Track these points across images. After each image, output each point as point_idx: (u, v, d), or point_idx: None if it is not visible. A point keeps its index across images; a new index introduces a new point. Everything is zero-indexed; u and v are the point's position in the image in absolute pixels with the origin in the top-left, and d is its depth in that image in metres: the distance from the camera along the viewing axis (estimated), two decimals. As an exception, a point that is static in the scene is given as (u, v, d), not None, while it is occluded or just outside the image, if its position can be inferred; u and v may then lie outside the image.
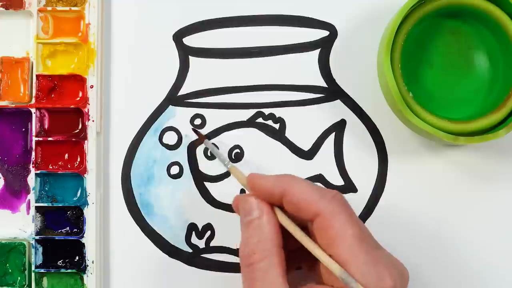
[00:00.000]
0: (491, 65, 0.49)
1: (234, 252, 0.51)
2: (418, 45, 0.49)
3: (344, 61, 0.51)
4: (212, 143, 0.50)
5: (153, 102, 0.51)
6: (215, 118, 0.51)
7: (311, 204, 0.40)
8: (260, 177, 0.42)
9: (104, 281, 0.51)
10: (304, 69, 0.51)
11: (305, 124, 0.51)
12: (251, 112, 0.51)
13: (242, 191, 0.50)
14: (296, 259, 0.44)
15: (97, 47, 0.51)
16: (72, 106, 0.50)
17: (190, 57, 0.51)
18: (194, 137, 0.51)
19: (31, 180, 0.51)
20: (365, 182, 0.51)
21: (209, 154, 0.51)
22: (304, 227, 0.42)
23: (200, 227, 0.51)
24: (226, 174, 0.51)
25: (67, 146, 0.51)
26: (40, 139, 0.50)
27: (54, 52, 0.51)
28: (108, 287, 0.51)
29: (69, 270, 0.50)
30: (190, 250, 0.51)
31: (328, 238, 0.39)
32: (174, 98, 0.51)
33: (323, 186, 0.50)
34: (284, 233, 0.42)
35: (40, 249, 0.50)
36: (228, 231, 0.51)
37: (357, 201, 0.51)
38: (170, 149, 0.51)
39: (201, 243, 0.51)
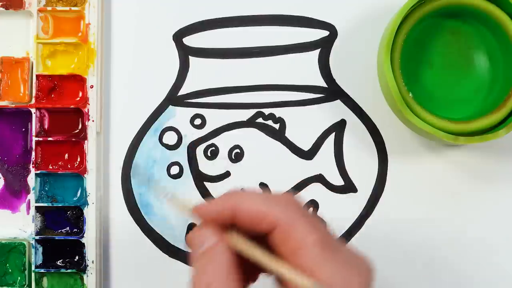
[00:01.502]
0: (491, 65, 0.49)
1: (234, 252, 0.50)
2: (418, 45, 0.49)
3: (344, 61, 0.51)
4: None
5: (153, 102, 0.51)
6: (215, 118, 0.51)
7: (265, 216, 0.37)
8: (205, 204, 0.39)
9: (104, 281, 0.51)
10: (304, 69, 0.51)
11: (305, 124, 0.51)
12: (251, 112, 0.51)
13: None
14: (258, 268, 0.41)
15: (97, 47, 0.51)
16: (72, 106, 0.50)
17: (190, 57, 0.51)
18: (194, 137, 0.51)
19: (31, 180, 0.51)
20: (365, 182, 0.51)
21: (209, 154, 0.51)
22: (261, 238, 0.39)
23: (200, 227, 0.51)
24: (226, 174, 0.51)
25: (67, 146, 0.51)
26: (40, 139, 0.50)
27: (54, 52, 0.51)
28: (108, 287, 0.51)
29: (69, 270, 0.50)
30: (190, 250, 0.51)
31: (289, 249, 0.37)
32: (174, 98, 0.51)
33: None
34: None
35: (40, 249, 0.50)
36: (228, 231, 0.51)
37: (357, 201, 0.51)
38: (170, 149, 0.51)
39: (201, 243, 0.51)
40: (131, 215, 0.51)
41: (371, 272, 0.39)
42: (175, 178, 0.51)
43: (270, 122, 0.51)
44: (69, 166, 0.51)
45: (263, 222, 0.37)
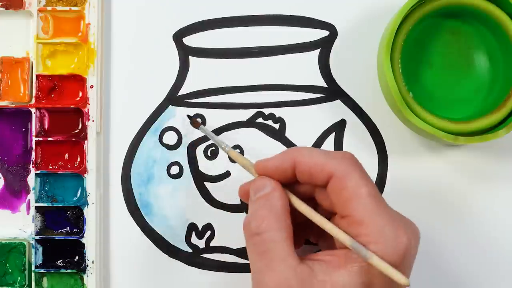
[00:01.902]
0: (491, 65, 0.49)
1: (234, 252, 0.51)
2: (418, 45, 0.49)
3: (344, 61, 0.51)
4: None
5: (153, 102, 0.51)
6: (215, 118, 0.51)
7: (322, 167, 0.40)
8: (267, 159, 0.43)
9: (104, 281, 0.51)
10: (304, 69, 0.51)
11: (305, 124, 0.51)
12: (251, 112, 0.51)
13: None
14: (302, 233, 0.45)
15: (97, 47, 0.51)
16: (72, 106, 0.50)
17: (190, 57, 0.51)
18: (194, 137, 0.51)
19: (31, 180, 0.51)
20: (365, 182, 0.51)
21: (209, 154, 0.51)
22: (312, 201, 0.43)
23: (200, 227, 0.51)
24: (226, 174, 0.51)
25: (67, 146, 0.51)
26: (40, 139, 0.50)
27: (54, 52, 0.51)
28: (108, 287, 0.51)
29: (69, 270, 0.50)
30: (190, 250, 0.51)
31: (342, 199, 0.39)
32: (174, 98, 0.51)
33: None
34: (291, 210, 0.42)
35: (40, 249, 0.50)
36: (228, 231, 0.51)
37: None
38: (170, 149, 0.51)
39: (201, 243, 0.51)
40: (131, 215, 0.51)
41: (418, 233, 0.41)
42: (175, 178, 0.51)
43: (270, 122, 0.51)
44: (69, 166, 0.51)
45: (321, 173, 0.40)
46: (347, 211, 0.39)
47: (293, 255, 0.39)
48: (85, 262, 0.50)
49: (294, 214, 0.42)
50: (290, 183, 0.43)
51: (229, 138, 0.51)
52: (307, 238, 0.46)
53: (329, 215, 0.42)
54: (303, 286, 0.38)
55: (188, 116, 0.50)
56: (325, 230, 0.40)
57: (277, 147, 0.51)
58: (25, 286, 0.50)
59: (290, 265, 0.39)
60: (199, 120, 0.50)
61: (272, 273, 0.39)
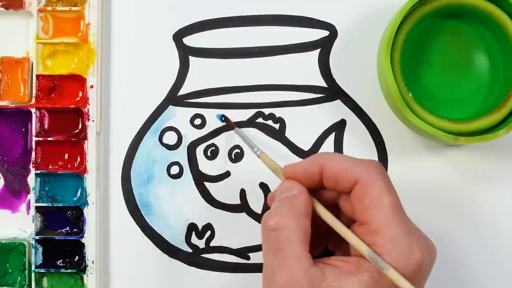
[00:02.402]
0: (491, 65, 0.49)
1: (234, 252, 0.51)
2: (418, 45, 0.49)
3: (344, 61, 0.51)
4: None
5: (153, 102, 0.51)
6: (215, 118, 0.51)
7: (348, 172, 0.40)
8: (295, 163, 0.43)
9: (104, 281, 0.51)
10: (304, 69, 0.51)
11: (305, 124, 0.51)
12: (251, 112, 0.51)
13: (242, 192, 0.50)
14: (323, 240, 0.45)
15: (97, 47, 0.51)
16: (72, 106, 0.50)
17: (190, 57, 0.51)
18: (194, 137, 0.51)
19: (31, 180, 0.51)
20: (365, 182, 0.51)
21: (209, 154, 0.51)
22: (335, 208, 0.43)
23: (200, 227, 0.51)
24: (226, 174, 0.51)
25: (67, 146, 0.51)
26: (40, 139, 0.50)
27: (54, 52, 0.51)
28: (108, 287, 0.51)
29: (69, 270, 0.50)
30: (190, 250, 0.51)
31: (364, 205, 0.40)
32: (174, 98, 0.51)
33: None
34: (314, 217, 0.42)
35: (40, 249, 0.50)
36: (228, 231, 0.51)
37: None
38: (170, 149, 0.51)
39: (201, 243, 0.51)
40: (131, 215, 0.51)
41: (435, 250, 0.41)
42: (175, 178, 0.51)
43: (270, 122, 0.51)
44: (69, 166, 0.51)
45: (347, 178, 0.40)
46: (366, 218, 0.39)
47: (306, 257, 0.39)
48: (85, 262, 0.50)
49: (317, 221, 0.42)
50: (316, 188, 0.43)
51: (229, 138, 0.51)
52: (326, 245, 0.46)
53: (350, 223, 0.42)
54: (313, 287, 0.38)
55: (224, 117, 0.50)
56: (343, 237, 0.40)
57: (277, 147, 0.51)
58: (25, 286, 0.50)
59: (302, 266, 0.39)
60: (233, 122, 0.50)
61: (284, 271, 0.39)
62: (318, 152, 0.43)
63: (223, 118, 0.50)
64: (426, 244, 0.40)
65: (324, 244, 0.46)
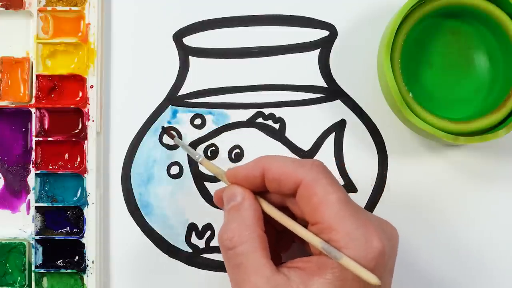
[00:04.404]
0: (491, 65, 0.49)
1: (234, 252, 0.51)
2: (418, 45, 0.49)
3: (344, 61, 0.51)
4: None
5: (153, 102, 0.51)
6: (215, 118, 0.51)
7: (291, 174, 0.40)
8: (237, 167, 0.43)
9: (104, 281, 0.51)
10: (304, 69, 0.51)
11: (305, 124, 0.51)
12: (251, 112, 0.51)
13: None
14: (288, 236, 0.44)
15: (97, 47, 0.51)
16: (72, 106, 0.50)
17: (190, 57, 0.51)
18: (194, 137, 0.51)
19: (31, 180, 0.51)
20: (365, 182, 0.51)
21: (209, 154, 0.51)
22: (286, 210, 0.42)
23: (200, 227, 0.51)
24: (226, 174, 0.51)
25: (67, 146, 0.51)
26: (40, 139, 0.50)
27: (54, 52, 0.51)
28: (108, 287, 0.51)
29: (69, 270, 0.50)
30: (190, 250, 0.51)
31: (312, 205, 0.39)
32: (174, 98, 0.51)
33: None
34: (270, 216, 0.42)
35: (40, 249, 0.50)
36: (228, 231, 0.51)
37: (357, 201, 0.50)
38: (170, 149, 0.51)
39: (201, 243, 0.51)
40: (131, 215, 0.51)
41: (396, 235, 0.41)
42: (175, 178, 0.51)
43: (270, 122, 0.51)
44: (69, 166, 0.51)
45: (289, 180, 0.40)
46: (316, 218, 0.39)
47: (267, 265, 0.39)
48: (85, 262, 0.50)
49: (275, 220, 0.42)
50: (262, 191, 0.42)
51: (229, 138, 0.51)
52: (293, 241, 0.46)
53: (305, 224, 0.41)
54: None
55: (163, 128, 0.50)
56: (296, 233, 0.40)
57: (277, 147, 0.51)
58: (25, 286, 0.50)
59: (264, 276, 0.39)
60: (173, 132, 0.51)
61: (247, 285, 0.39)
62: (261, 155, 0.42)
63: (163, 128, 0.50)
64: (385, 231, 0.39)
65: (291, 240, 0.45)
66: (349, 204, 0.39)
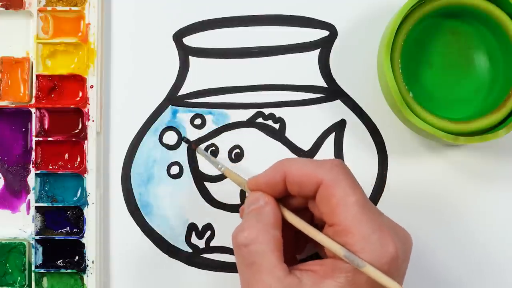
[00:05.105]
0: (491, 65, 0.49)
1: (234, 252, 0.51)
2: (418, 45, 0.49)
3: (344, 61, 0.51)
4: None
5: (153, 102, 0.51)
6: (215, 118, 0.51)
7: (311, 175, 0.40)
8: (258, 175, 0.43)
9: (104, 281, 0.51)
10: (304, 69, 0.51)
11: (305, 124, 0.51)
12: (251, 112, 0.51)
13: (242, 192, 0.50)
14: (303, 239, 0.44)
15: (97, 47, 0.51)
16: (72, 106, 0.50)
17: (190, 57, 0.51)
18: (194, 137, 0.51)
19: (31, 180, 0.51)
20: (365, 182, 0.51)
21: (209, 154, 0.51)
22: (305, 210, 0.43)
23: (200, 227, 0.51)
24: (226, 174, 0.51)
25: (67, 146, 0.51)
26: (40, 139, 0.50)
27: (54, 52, 0.51)
28: (108, 287, 0.51)
29: (69, 270, 0.50)
30: (190, 250, 0.51)
31: (330, 206, 0.39)
32: (174, 98, 0.51)
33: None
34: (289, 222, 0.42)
35: (40, 249, 0.50)
36: (228, 231, 0.50)
37: (357, 201, 0.51)
38: (170, 149, 0.51)
39: (201, 243, 0.51)
40: (131, 215, 0.51)
41: (409, 240, 0.41)
42: (175, 178, 0.51)
43: (270, 122, 0.51)
44: (69, 166, 0.51)
45: (310, 182, 0.40)
46: (334, 219, 0.39)
47: (280, 267, 0.39)
48: (85, 262, 0.50)
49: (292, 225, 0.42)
50: (284, 196, 0.42)
51: (229, 138, 0.51)
52: (307, 243, 0.46)
53: (323, 225, 0.41)
54: None
55: (185, 139, 0.50)
56: (317, 241, 0.40)
57: (277, 147, 0.51)
58: (25, 286, 0.50)
59: (277, 276, 0.39)
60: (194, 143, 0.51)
61: (259, 284, 0.39)
62: (281, 159, 0.42)
63: (184, 139, 0.50)
64: (399, 236, 0.39)
65: (305, 243, 0.45)
66: (366, 207, 0.39)
